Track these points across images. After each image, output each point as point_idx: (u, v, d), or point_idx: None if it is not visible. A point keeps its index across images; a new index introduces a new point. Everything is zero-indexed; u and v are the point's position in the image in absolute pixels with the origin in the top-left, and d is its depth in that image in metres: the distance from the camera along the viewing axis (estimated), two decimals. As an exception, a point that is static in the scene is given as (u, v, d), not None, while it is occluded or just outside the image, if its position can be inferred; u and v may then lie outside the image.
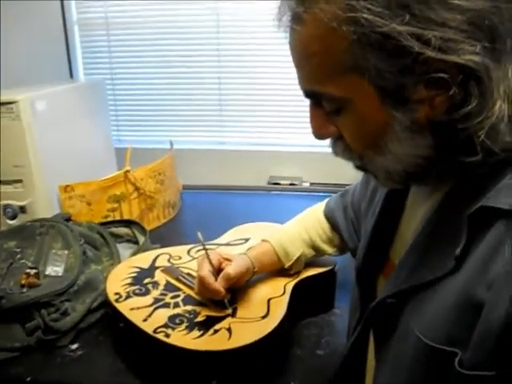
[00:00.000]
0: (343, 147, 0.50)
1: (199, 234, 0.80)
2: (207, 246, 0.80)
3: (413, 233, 0.53)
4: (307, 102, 0.51)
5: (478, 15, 0.39)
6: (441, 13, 0.38)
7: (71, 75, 1.68)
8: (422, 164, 0.46)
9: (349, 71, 0.43)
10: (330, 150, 0.54)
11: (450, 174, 0.48)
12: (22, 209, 1.12)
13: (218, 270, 0.78)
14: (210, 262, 0.78)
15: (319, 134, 0.51)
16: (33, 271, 0.88)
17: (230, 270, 0.76)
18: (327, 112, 0.48)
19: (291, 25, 0.46)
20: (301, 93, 0.50)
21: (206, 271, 0.76)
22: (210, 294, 0.76)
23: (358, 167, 0.53)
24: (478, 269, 0.40)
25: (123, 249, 1.11)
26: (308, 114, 0.51)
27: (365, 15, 0.39)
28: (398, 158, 0.46)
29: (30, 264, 0.91)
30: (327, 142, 0.54)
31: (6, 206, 1.12)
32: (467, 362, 0.38)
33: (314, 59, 0.44)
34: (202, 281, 0.76)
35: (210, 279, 0.75)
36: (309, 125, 0.52)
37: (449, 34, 0.38)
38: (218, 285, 0.75)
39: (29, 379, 0.76)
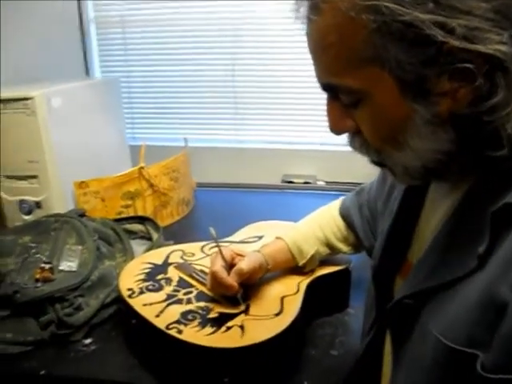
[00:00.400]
0: (361, 142, 0.49)
1: (212, 230, 0.80)
2: (220, 243, 0.80)
3: (432, 232, 0.51)
4: (322, 100, 0.50)
5: (504, 3, 0.37)
6: (465, 1, 0.37)
7: (87, 73, 1.69)
8: (442, 159, 0.45)
9: (368, 62, 0.42)
10: (344, 148, 0.53)
11: (472, 169, 0.46)
12: (38, 204, 1.13)
13: (230, 266, 0.78)
14: (223, 257, 0.77)
15: (336, 129, 0.50)
16: (47, 266, 0.89)
17: (243, 265, 0.76)
18: (345, 105, 0.47)
19: (308, 15, 0.44)
20: (316, 90, 0.49)
21: (219, 266, 0.76)
22: (223, 288, 0.76)
23: (376, 163, 0.51)
24: (501, 268, 0.38)
25: (137, 245, 1.12)
26: (323, 112, 0.50)
27: (386, 3, 0.37)
28: (418, 153, 0.45)
29: (44, 259, 0.91)
30: (341, 140, 0.52)
31: (21, 202, 1.13)
32: (490, 365, 0.36)
33: (332, 50, 0.43)
34: (214, 276, 0.75)
35: (223, 274, 0.75)
36: (323, 123, 0.50)
37: (474, 22, 0.37)
38: (231, 280, 0.75)
39: (42, 373, 0.76)
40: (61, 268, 0.90)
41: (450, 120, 0.42)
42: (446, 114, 0.42)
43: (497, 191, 0.41)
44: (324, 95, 0.50)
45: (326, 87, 0.48)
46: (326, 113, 0.50)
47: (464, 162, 0.45)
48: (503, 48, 0.37)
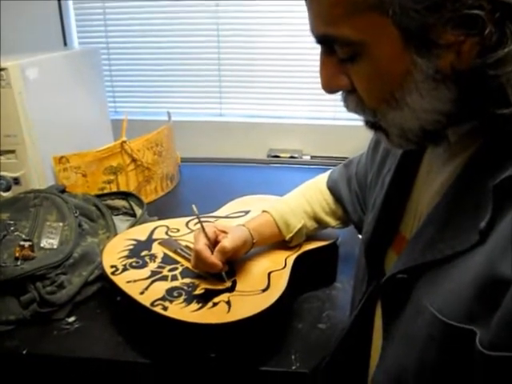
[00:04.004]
0: (356, 101, 0.46)
1: (194, 207, 0.78)
2: (204, 219, 0.78)
3: (427, 205, 0.49)
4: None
5: None
6: None
7: (65, 44, 1.63)
8: (441, 121, 0.42)
9: (369, 9, 0.38)
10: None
11: (474, 135, 0.44)
12: (16, 180, 1.09)
13: (214, 243, 0.76)
14: (206, 235, 0.75)
15: (330, 87, 0.47)
16: (27, 244, 0.86)
17: (226, 242, 0.74)
18: (340, 61, 0.44)
19: None
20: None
21: (202, 245, 0.74)
22: (207, 267, 0.74)
23: (370, 124, 0.48)
24: (503, 244, 0.36)
25: (120, 221, 1.09)
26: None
27: None
28: (416, 112, 0.42)
29: (24, 236, 0.88)
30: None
31: (-2, 178, 1.09)
32: (488, 342, 0.35)
33: None
34: (198, 255, 0.74)
35: (207, 253, 0.73)
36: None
37: None
38: (215, 258, 0.73)
39: (24, 352, 0.74)
40: (41, 245, 0.88)
41: (453, 76, 0.39)
42: (449, 69, 0.39)
43: (500, 162, 0.39)
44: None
45: (321, 39, 0.44)
46: (318, 70, 0.47)
47: (465, 127, 0.43)
48: None
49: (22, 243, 0.86)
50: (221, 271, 0.75)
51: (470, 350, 0.36)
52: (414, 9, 0.37)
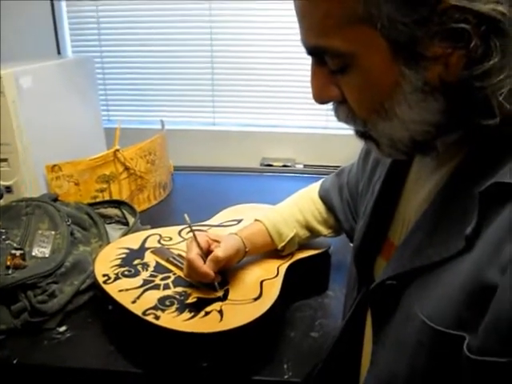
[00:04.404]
0: (346, 112, 0.47)
1: (186, 216, 0.78)
2: (197, 228, 0.78)
3: (416, 211, 0.50)
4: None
5: None
6: None
7: (59, 52, 1.63)
8: (430, 131, 0.43)
9: (359, 21, 0.39)
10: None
11: (459, 145, 0.44)
12: (8, 188, 1.09)
13: (206, 252, 0.76)
14: (198, 245, 0.75)
15: (321, 97, 0.47)
16: (18, 252, 0.85)
17: (219, 252, 0.74)
18: (331, 72, 0.45)
19: None
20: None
21: (194, 254, 0.74)
22: (199, 277, 0.74)
23: (361, 134, 0.49)
24: (490, 250, 0.37)
25: (113, 230, 1.09)
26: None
27: None
28: (405, 123, 0.43)
29: (15, 245, 0.88)
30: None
31: (-10, 186, 1.09)
32: (476, 347, 0.36)
33: (322, 7, 0.40)
34: (190, 264, 0.74)
35: (199, 262, 0.73)
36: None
37: None
38: (207, 268, 0.73)
39: (15, 362, 0.74)
40: (33, 254, 0.87)
41: (441, 88, 0.40)
42: (437, 80, 0.40)
43: (485, 169, 0.40)
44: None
45: (312, 51, 0.45)
46: (310, 81, 0.47)
47: (453, 136, 0.44)
48: (500, 8, 0.35)
49: (13, 252, 0.85)
50: (213, 281, 0.75)
51: (460, 355, 0.37)
52: (402, 22, 0.38)
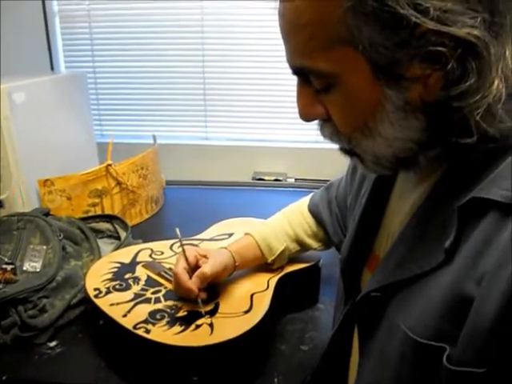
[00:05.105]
0: (331, 130, 0.48)
1: (177, 230, 0.78)
2: (188, 242, 0.79)
3: (399, 224, 0.51)
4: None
5: None
6: None
7: (52, 68, 1.64)
8: (413, 148, 0.44)
9: (342, 43, 0.41)
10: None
11: (440, 160, 0.46)
12: (0, 203, 1.09)
13: (194, 268, 0.76)
14: (186, 260, 0.76)
15: (306, 115, 0.49)
16: (9, 267, 0.86)
17: (206, 268, 0.74)
18: (316, 91, 0.46)
19: None
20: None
21: (181, 268, 0.74)
22: (183, 292, 0.74)
23: (345, 151, 0.50)
24: (467, 263, 0.38)
25: (104, 244, 1.09)
26: (294, 110, 0.49)
27: None
28: (389, 141, 0.44)
29: (6, 259, 0.88)
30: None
31: (-18, 201, 1.09)
32: (456, 358, 0.37)
33: (307, 29, 0.42)
34: (175, 278, 0.74)
35: (184, 276, 0.74)
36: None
37: (448, 4, 0.36)
38: (192, 283, 0.73)
39: (4, 378, 0.73)
40: (24, 269, 0.87)
41: (422, 107, 0.42)
42: (418, 100, 0.41)
43: (464, 185, 0.42)
44: (295, 93, 0.49)
45: (297, 71, 0.47)
46: (295, 99, 0.49)
47: (434, 153, 0.45)
48: (476, 32, 0.37)
49: (4, 266, 0.86)
50: (197, 297, 0.74)
51: (440, 366, 0.38)
52: (382, 45, 0.39)
